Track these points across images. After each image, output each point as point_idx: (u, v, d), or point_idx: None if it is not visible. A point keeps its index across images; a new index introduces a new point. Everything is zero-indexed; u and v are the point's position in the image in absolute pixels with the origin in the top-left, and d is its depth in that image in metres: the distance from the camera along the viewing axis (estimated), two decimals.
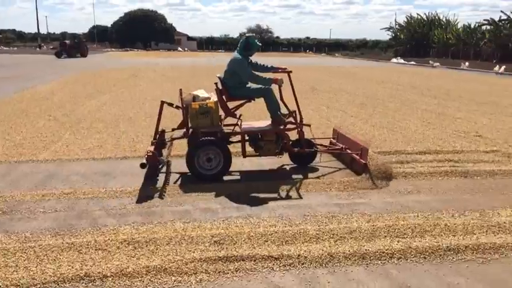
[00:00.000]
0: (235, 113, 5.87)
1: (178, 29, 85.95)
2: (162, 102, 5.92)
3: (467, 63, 31.59)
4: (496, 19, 44.57)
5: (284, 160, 6.28)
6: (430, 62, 34.65)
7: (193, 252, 3.57)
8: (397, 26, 61.23)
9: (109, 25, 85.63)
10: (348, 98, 13.68)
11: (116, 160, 6.35)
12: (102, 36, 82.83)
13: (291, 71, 5.94)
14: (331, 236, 3.91)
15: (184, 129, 5.71)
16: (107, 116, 9.90)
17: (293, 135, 6.01)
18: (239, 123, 5.89)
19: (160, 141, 6.03)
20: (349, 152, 6.01)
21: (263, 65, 6.10)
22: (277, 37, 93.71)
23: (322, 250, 3.64)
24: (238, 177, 5.74)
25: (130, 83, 17.87)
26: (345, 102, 12.67)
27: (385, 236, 3.92)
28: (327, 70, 28.14)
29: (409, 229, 4.05)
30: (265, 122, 6.14)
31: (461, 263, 3.52)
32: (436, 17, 57.40)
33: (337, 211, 4.54)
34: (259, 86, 5.79)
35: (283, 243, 3.77)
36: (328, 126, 8.50)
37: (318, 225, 4.13)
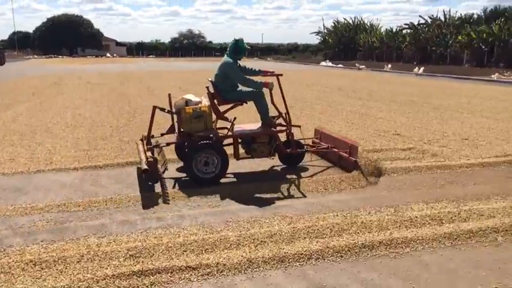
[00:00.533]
0: (226, 116, 5.92)
1: (106, 35, 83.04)
2: (154, 108, 5.89)
3: (389, 66, 33.24)
4: (416, 23, 47.32)
5: (271, 162, 6.45)
6: (356, 64, 36.12)
7: (106, 268, 3.39)
8: (325, 31, 63.19)
9: (31, 31, 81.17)
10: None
11: (28, 174, 5.95)
12: (24, 43, 78.19)
13: (280, 74, 6.10)
14: (252, 241, 3.88)
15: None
16: (22, 127, 9.30)
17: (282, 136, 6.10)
18: (232, 126, 5.92)
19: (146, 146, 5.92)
20: (336, 150, 6.27)
21: (251, 68, 6.22)
22: (210, 42, 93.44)
23: (242, 256, 3.60)
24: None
25: (52, 91, 17.02)
26: None
27: (305, 238, 3.95)
28: None
29: (328, 229, 4.12)
30: (255, 124, 6.28)
31: (375, 259, 3.62)
32: (361, 22, 59.94)
33: (259, 215, 4.54)
34: (251, 89, 5.90)
35: (203, 251, 3.69)
36: None
37: (239, 231, 4.09)
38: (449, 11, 56.58)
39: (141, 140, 6.19)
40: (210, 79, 6.02)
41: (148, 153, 5.54)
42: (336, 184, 5.52)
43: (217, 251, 3.70)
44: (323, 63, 43.38)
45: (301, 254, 3.63)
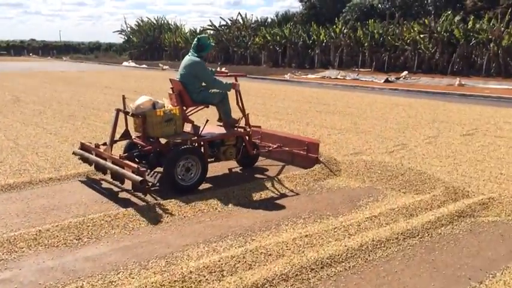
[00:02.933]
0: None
1: None
2: (118, 110, 5.51)
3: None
4: (217, 25, 48.46)
5: (226, 165, 6.40)
6: (160, 64, 35.06)
7: None
8: (129, 29, 60.47)
9: None
10: (58, 108, 11.73)
11: None
12: None
13: (243, 75, 6.53)
14: None
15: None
16: None
17: None
18: (201, 128, 5.55)
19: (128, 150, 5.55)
20: (289, 149, 6.45)
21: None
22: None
23: None
24: None
25: None
26: (50, 115, 10.71)
27: None
28: (47, 76, 24.93)
29: None
30: (214, 126, 6.05)
31: None
32: (165, 21, 59.06)
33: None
34: (219, 90, 5.72)
35: None
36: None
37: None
38: (246, 15, 59.88)
39: (81, 148, 5.76)
40: (177, 78, 5.58)
41: (129, 162, 4.95)
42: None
43: None
44: (125, 63, 41.15)
45: None
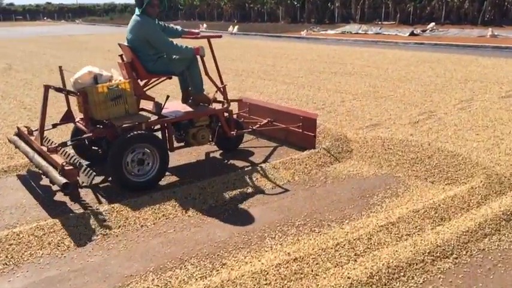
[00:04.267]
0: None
1: None
2: (47, 87, 4.12)
3: (205, 25, 31.44)
4: None
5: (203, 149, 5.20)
6: (171, 24, 33.44)
7: None
8: None
9: None
10: (47, 78, 10.70)
11: None
12: None
13: (219, 36, 5.08)
14: None
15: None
16: None
17: None
18: (162, 107, 4.49)
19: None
20: (280, 126, 5.31)
21: (172, 27, 4.82)
22: (11, 4, 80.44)
23: None
24: None
25: None
26: (36, 85, 9.72)
27: None
28: (53, 41, 23.96)
29: None
30: (180, 103, 4.94)
31: None
32: None
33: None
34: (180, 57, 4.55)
35: None
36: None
37: None
38: None
39: (17, 134, 4.58)
40: (123, 44, 4.47)
41: (57, 157, 3.75)
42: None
43: None
44: (171, 24, 39.56)
45: None
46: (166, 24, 4.79)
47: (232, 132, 4.87)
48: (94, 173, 3.77)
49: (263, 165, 4.61)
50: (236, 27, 27.11)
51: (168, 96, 4.52)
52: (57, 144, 4.03)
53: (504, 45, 16.15)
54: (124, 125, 4.02)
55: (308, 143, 5.06)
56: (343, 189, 4.16)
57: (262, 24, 35.80)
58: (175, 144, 4.64)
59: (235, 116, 5.17)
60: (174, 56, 4.57)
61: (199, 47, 4.56)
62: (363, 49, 16.59)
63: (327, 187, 4.22)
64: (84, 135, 4.18)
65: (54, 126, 4.52)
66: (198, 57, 4.63)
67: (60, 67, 4.43)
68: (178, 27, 4.92)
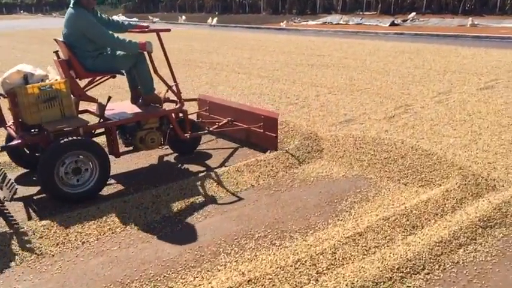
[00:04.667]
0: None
1: None
2: None
3: (184, 17, 30.87)
4: None
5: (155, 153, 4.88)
6: (150, 17, 32.90)
7: None
8: None
9: None
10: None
11: None
12: None
13: (167, 30, 4.45)
14: None
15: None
16: None
17: None
18: (95, 109, 4.24)
19: None
20: (245, 125, 4.91)
21: (116, 21, 4.44)
22: None
23: None
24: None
25: None
26: None
27: None
28: (23, 35, 23.21)
29: None
30: (128, 104, 4.52)
31: None
32: None
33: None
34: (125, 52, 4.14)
35: None
36: None
37: None
38: None
39: None
40: (59, 39, 4.03)
41: None
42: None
43: None
44: (115, 17, 38.58)
45: None
46: (110, 18, 4.40)
47: (185, 135, 4.48)
48: (16, 187, 3.34)
49: (224, 168, 4.29)
50: (215, 19, 26.59)
51: (109, 97, 4.15)
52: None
53: (484, 35, 16.01)
54: (57, 130, 3.60)
55: (270, 144, 4.74)
56: (311, 193, 3.85)
57: (243, 16, 35.25)
58: (123, 149, 4.27)
59: (192, 117, 4.83)
60: (118, 53, 4.16)
61: (145, 42, 4.13)
62: (342, 40, 16.30)
63: (293, 191, 3.90)
64: (11, 143, 3.76)
65: None
66: (146, 53, 4.22)
67: None
68: (125, 21, 4.55)
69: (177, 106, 4.46)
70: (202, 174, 4.24)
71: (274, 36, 19.00)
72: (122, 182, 4.16)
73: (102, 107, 4.11)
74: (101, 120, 4.12)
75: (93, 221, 3.34)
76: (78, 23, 3.89)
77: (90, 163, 3.71)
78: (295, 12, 34.27)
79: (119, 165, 4.48)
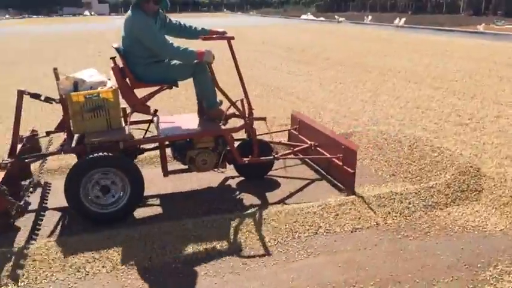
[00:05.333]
0: (148, 105, 3.80)
1: None
2: (21, 92, 3.54)
3: (370, 17, 29.76)
4: None
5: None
6: (336, 17, 32.57)
7: None
8: None
9: None
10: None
11: None
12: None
13: (232, 37, 3.74)
14: None
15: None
16: None
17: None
18: (155, 122, 3.91)
19: (26, 152, 3.67)
20: (324, 154, 4.20)
21: (190, 26, 3.96)
22: None
23: None
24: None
25: None
26: None
27: None
28: None
29: None
30: (190, 117, 4.17)
31: None
32: None
33: None
34: (181, 62, 3.77)
35: None
36: None
37: None
38: None
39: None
40: (115, 45, 3.75)
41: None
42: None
43: None
44: (304, 16, 39.60)
45: None
46: (182, 23, 3.98)
47: (244, 159, 3.89)
48: (24, 204, 3.23)
49: (348, 197, 3.70)
50: (403, 19, 24.90)
51: (156, 110, 3.87)
52: (8, 160, 3.49)
53: None
54: (94, 142, 3.36)
55: (346, 181, 3.91)
56: (448, 248, 3.03)
57: (438, 17, 32.43)
58: (173, 168, 3.95)
59: (265, 138, 4.32)
60: (175, 62, 3.80)
61: (204, 51, 3.64)
62: None
63: (426, 241, 3.13)
64: (50, 152, 3.68)
65: (48, 134, 3.94)
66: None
67: (54, 69, 3.70)
68: (198, 27, 3.97)
69: (238, 125, 3.94)
70: (317, 201, 3.72)
71: (465, 40, 16.87)
72: (170, 206, 3.86)
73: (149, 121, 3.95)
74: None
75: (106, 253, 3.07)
76: (133, 26, 3.60)
77: (120, 182, 3.43)
78: (500, 13, 30.16)
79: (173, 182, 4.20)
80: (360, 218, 3.42)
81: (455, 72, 9.55)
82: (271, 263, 2.92)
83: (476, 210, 3.51)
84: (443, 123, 5.76)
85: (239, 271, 2.85)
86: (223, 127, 3.82)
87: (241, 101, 3.85)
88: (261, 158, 3.98)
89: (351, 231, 3.29)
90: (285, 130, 5.08)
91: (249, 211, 3.58)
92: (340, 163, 3.93)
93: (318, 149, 4.31)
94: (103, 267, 2.88)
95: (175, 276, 2.81)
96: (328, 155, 4.11)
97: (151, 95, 3.80)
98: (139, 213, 3.66)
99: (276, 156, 4.07)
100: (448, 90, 7.78)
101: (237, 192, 4.06)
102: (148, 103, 3.80)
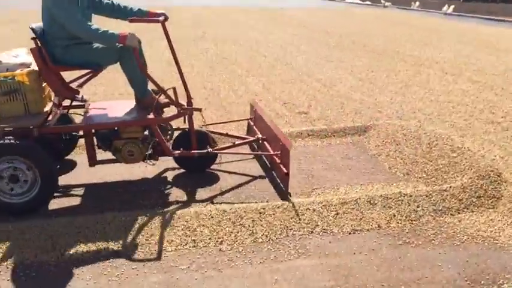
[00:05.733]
0: (76, 89, 3.52)
1: None
2: None
3: (417, 3, 28.52)
4: None
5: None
6: (382, 1, 31.40)
7: None
8: None
9: None
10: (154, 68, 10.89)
11: None
12: None
13: (165, 19, 3.44)
14: None
15: None
16: None
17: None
18: (86, 108, 3.70)
19: None
20: (268, 150, 3.92)
21: (125, 7, 3.59)
22: None
23: None
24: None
25: None
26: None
27: None
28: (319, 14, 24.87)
29: None
30: (128, 104, 3.80)
31: None
32: None
33: None
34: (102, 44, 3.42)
35: None
36: None
37: None
38: None
39: None
40: (32, 25, 3.36)
41: None
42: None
43: None
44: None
45: None
46: (115, 2, 3.62)
47: (175, 152, 3.61)
48: None
49: (354, 195, 3.48)
50: (452, 6, 23.68)
51: (84, 99, 3.60)
52: None
53: None
54: (5, 129, 3.16)
55: (283, 181, 3.64)
56: (452, 260, 2.79)
57: (491, 5, 30.68)
58: (101, 158, 3.71)
59: (201, 128, 4.01)
60: (97, 45, 3.44)
61: (127, 34, 3.24)
62: None
63: (429, 250, 2.90)
64: None
65: None
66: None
67: None
68: (135, 8, 3.59)
69: (171, 115, 3.61)
70: (317, 199, 3.53)
71: None
72: (98, 197, 3.71)
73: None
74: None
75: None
76: (48, 0, 3.21)
77: (30, 172, 3.20)
78: None
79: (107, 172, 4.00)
80: (361, 219, 3.22)
81: (497, 65, 8.95)
82: (258, 261, 2.78)
83: (490, 219, 3.23)
84: (473, 120, 5.39)
85: (223, 267, 2.72)
86: (150, 116, 3.51)
87: (174, 89, 3.59)
88: (193, 151, 3.64)
89: (349, 233, 3.09)
90: (242, 119, 4.86)
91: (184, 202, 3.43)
92: (278, 161, 3.66)
93: (265, 143, 4.02)
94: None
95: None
96: (272, 151, 3.83)
97: (78, 79, 3.51)
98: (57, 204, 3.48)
99: (210, 150, 3.67)
100: (485, 84, 7.30)
101: (169, 186, 3.80)
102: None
